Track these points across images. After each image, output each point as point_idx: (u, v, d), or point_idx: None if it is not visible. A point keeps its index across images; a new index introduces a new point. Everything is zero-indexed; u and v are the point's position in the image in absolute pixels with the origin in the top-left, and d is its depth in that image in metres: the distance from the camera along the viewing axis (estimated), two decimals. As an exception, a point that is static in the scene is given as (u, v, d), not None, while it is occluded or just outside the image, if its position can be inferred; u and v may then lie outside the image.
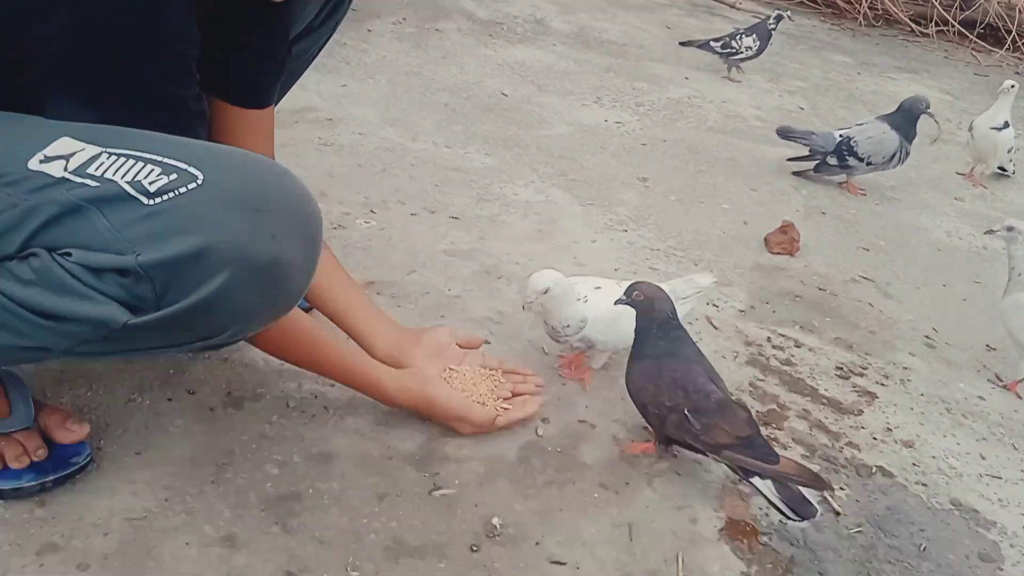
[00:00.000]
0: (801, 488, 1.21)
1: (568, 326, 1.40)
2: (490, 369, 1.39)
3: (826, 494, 1.33)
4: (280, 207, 0.89)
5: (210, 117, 1.19)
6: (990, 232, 1.80)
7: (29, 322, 0.87)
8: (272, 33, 1.21)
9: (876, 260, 2.18)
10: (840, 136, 2.54)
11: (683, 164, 2.56)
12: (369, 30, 3.24)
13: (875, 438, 1.49)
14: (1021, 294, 1.68)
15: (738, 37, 3.47)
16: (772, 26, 3.48)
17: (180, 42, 0.96)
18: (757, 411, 1.50)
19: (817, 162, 2.57)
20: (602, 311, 1.39)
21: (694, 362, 1.29)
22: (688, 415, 1.24)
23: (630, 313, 1.34)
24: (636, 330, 1.31)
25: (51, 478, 1.08)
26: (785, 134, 2.61)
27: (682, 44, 3.61)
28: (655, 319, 1.29)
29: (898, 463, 1.44)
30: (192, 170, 0.86)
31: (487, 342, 1.52)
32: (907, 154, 2.54)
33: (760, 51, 3.50)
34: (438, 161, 2.26)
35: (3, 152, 0.89)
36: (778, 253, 2.09)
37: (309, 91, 2.56)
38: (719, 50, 3.48)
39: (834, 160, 2.53)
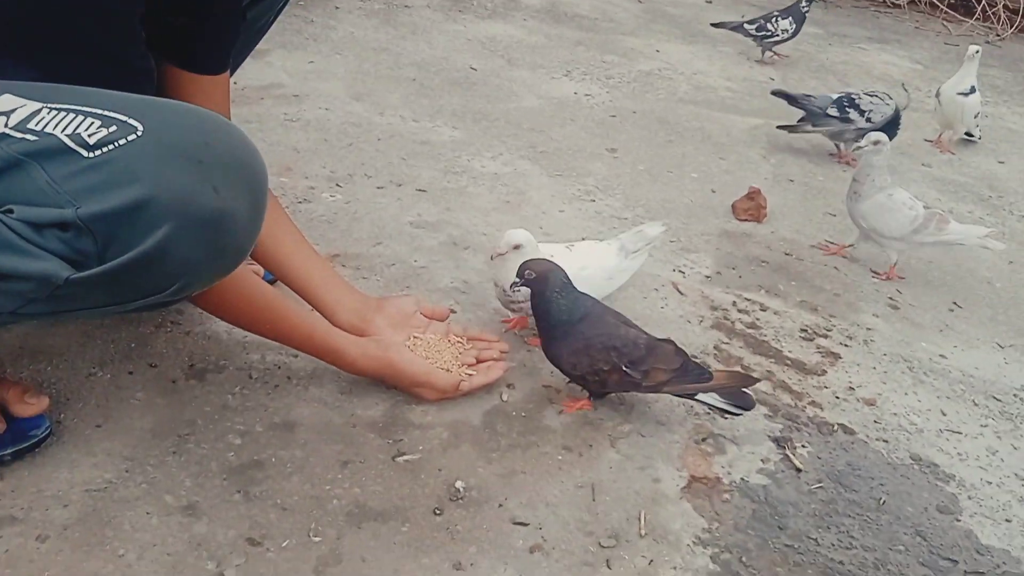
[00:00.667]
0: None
1: (519, 291, 1.38)
2: (455, 336, 1.39)
3: (787, 451, 1.34)
4: (223, 159, 0.88)
5: (165, 84, 1.18)
6: (858, 148, 1.89)
7: None
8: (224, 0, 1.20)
9: (842, 225, 2.19)
10: (840, 93, 2.54)
11: (652, 135, 2.56)
12: (336, 7, 3.21)
13: (837, 397, 1.51)
14: (879, 195, 1.89)
15: (773, 20, 3.41)
16: (805, 8, 3.43)
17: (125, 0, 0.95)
18: (739, 370, 1.51)
19: (815, 116, 2.54)
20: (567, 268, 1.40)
21: (606, 315, 1.31)
22: (627, 369, 1.26)
23: (601, 267, 1.45)
24: (538, 307, 1.31)
25: (9, 451, 1.08)
26: (781, 94, 2.60)
27: (714, 25, 3.53)
28: (553, 290, 1.29)
29: (859, 420, 1.46)
30: (132, 122, 0.84)
31: (453, 311, 1.52)
32: (899, 129, 2.55)
33: (795, 34, 3.45)
34: (405, 135, 2.25)
35: None
36: (745, 220, 2.10)
37: (275, 68, 2.54)
38: (753, 32, 3.42)
39: (834, 110, 2.51)
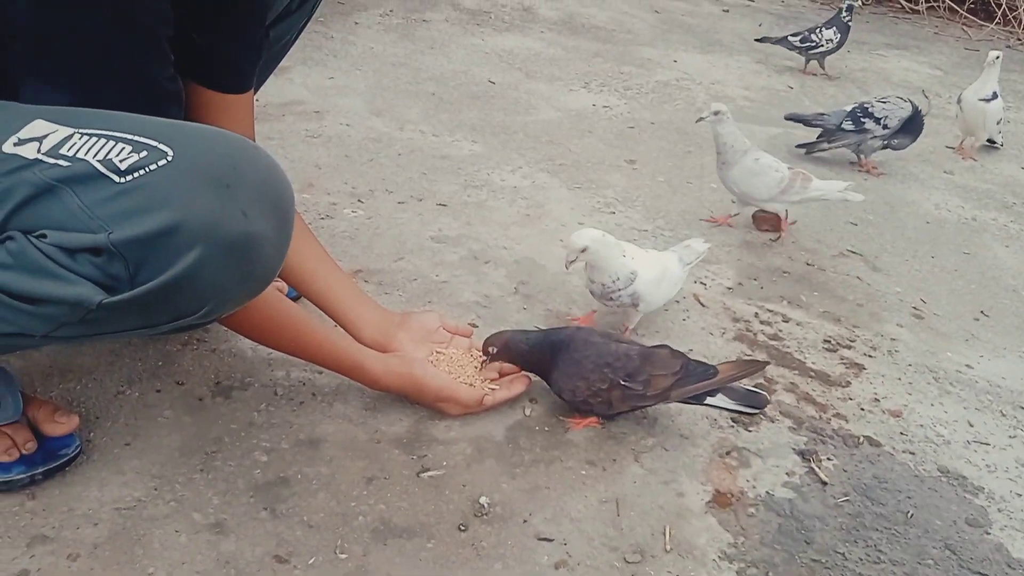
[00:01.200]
0: (745, 387, 1.35)
1: (618, 279, 1.47)
2: (478, 351, 1.40)
3: (812, 464, 1.33)
4: (250, 182, 0.88)
5: (189, 103, 1.19)
6: (700, 120, 1.95)
7: (8, 307, 0.87)
8: (249, 16, 1.21)
9: (864, 234, 2.18)
10: (853, 106, 2.53)
11: (671, 146, 2.56)
12: (356, 23, 3.23)
13: (862, 409, 1.50)
14: (745, 159, 1.95)
15: (817, 31, 3.42)
16: (846, 17, 3.42)
17: (151, 19, 0.96)
18: (750, 358, 1.51)
19: (830, 132, 2.53)
20: (650, 269, 1.50)
21: (593, 335, 1.32)
22: (625, 383, 1.26)
23: (671, 273, 1.53)
24: (522, 365, 1.35)
25: (40, 470, 1.09)
26: (795, 119, 2.59)
27: (758, 41, 3.54)
28: (519, 344, 1.32)
29: (885, 432, 1.44)
30: (162, 147, 0.86)
31: (475, 326, 1.53)
32: (921, 129, 2.53)
33: (841, 44, 3.45)
34: (425, 150, 2.26)
35: None
36: (766, 230, 2.09)
37: (296, 84, 2.56)
38: (798, 44, 3.43)
39: (849, 124, 2.50)
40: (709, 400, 1.31)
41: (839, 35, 3.42)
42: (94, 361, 1.30)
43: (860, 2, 3.78)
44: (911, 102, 2.53)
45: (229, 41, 1.17)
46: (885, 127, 2.49)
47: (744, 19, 4.39)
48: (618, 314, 1.60)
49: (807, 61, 3.52)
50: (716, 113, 1.91)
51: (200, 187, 0.85)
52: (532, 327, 1.55)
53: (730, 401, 1.31)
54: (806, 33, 3.44)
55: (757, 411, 1.33)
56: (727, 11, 4.51)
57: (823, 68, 3.55)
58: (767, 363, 1.46)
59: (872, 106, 2.50)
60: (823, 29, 3.43)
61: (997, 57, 2.74)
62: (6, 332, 0.90)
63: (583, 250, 1.43)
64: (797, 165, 2.55)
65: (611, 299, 1.51)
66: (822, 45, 3.43)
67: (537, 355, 1.33)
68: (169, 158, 0.85)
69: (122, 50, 0.93)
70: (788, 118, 2.62)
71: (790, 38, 3.44)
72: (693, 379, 1.29)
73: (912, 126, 2.53)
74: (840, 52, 3.95)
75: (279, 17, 1.35)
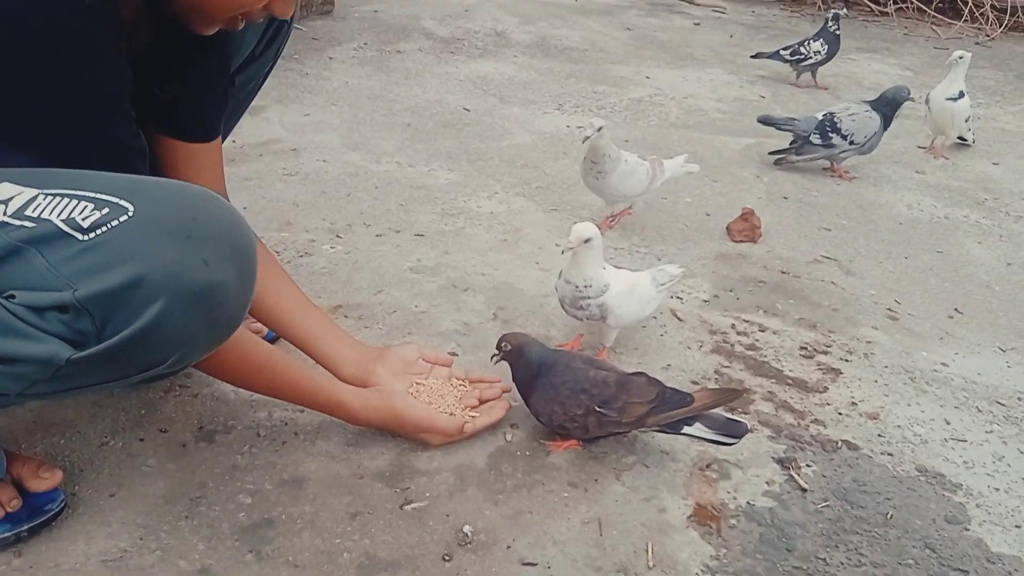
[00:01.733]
0: (725, 415, 1.33)
1: (590, 286, 1.49)
2: (457, 380, 1.41)
3: (792, 472, 1.35)
4: (210, 232, 0.91)
5: (159, 153, 1.22)
6: (587, 139, 1.95)
7: None
8: (212, 66, 1.23)
9: (838, 239, 2.20)
10: (823, 114, 2.56)
11: (645, 162, 2.58)
12: (331, 58, 3.27)
13: (840, 413, 1.51)
14: (621, 166, 2.00)
15: (806, 43, 3.48)
16: (833, 27, 3.46)
17: (110, 82, 0.98)
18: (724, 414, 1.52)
19: (799, 145, 2.57)
20: (621, 283, 1.52)
21: (575, 361, 1.34)
22: (600, 409, 1.27)
23: (642, 290, 1.54)
24: (516, 374, 1.36)
25: (26, 527, 1.10)
26: (767, 121, 2.62)
27: (753, 57, 3.60)
28: (530, 360, 1.34)
29: (863, 435, 1.46)
30: (123, 203, 0.88)
31: (454, 354, 1.54)
32: (880, 138, 2.58)
33: (830, 55, 3.49)
34: (402, 181, 2.29)
35: None
36: (740, 241, 2.11)
37: (272, 123, 2.59)
38: (788, 58, 3.49)
39: (817, 139, 2.53)
40: (686, 429, 1.30)
41: (826, 46, 3.47)
42: (77, 414, 1.32)
43: (845, 11, 3.81)
44: (880, 122, 2.55)
45: (193, 93, 1.20)
46: (852, 143, 2.53)
47: (715, 31, 4.44)
48: (596, 334, 1.62)
49: (798, 74, 3.57)
50: (599, 129, 1.94)
51: (161, 240, 0.87)
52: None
53: (707, 430, 1.30)
54: (796, 46, 3.50)
55: (735, 441, 1.31)
56: (698, 24, 4.57)
57: (815, 79, 3.58)
58: (743, 392, 1.47)
59: (840, 121, 2.52)
60: (811, 41, 3.49)
61: (960, 57, 2.78)
62: (-20, 392, 0.91)
63: (587, 240, 1.46)
64: (768, 173, 2.58)
65: (580, 307, 1.52)
66: (811, 57, 3.47)
67: (529, 372, 1.34)
68: (130, 213, 0.87)
69: (83, 112, 0.95)
70: (760, 121, 2.65)
71: (781, 52, 3.51)
72: (669, 407, 1.30)
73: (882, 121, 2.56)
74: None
75: (244, 63, 1.38)
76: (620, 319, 1.55)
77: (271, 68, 1.47)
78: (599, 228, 1.50)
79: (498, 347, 1.36)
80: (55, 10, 0.87)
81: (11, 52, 0.87)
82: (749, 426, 1.33)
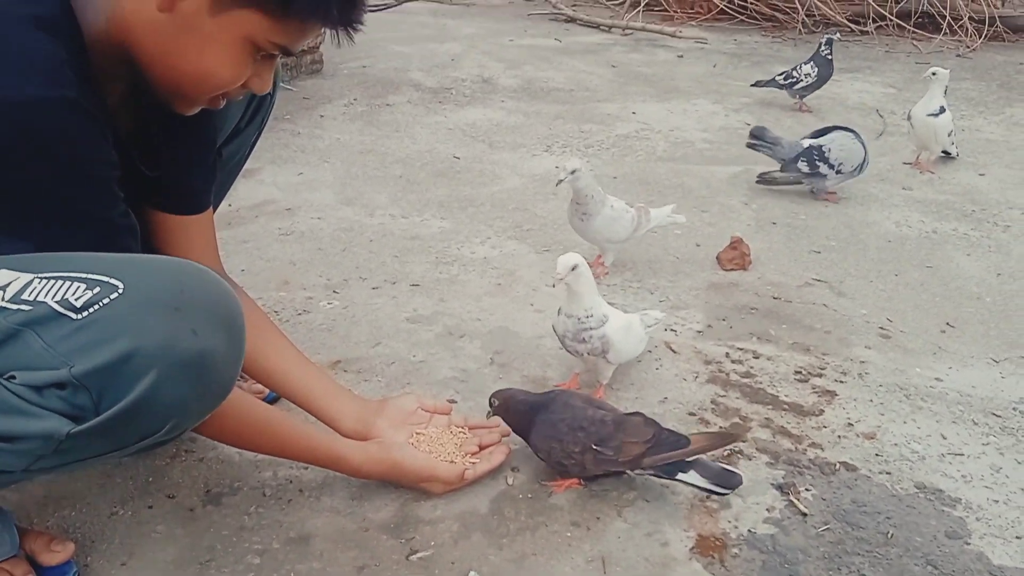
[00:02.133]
0: (721, 465, 1.34)
1: (591, 316, 1.53)
2: (457, 427, 1.44)
3: (791, 497, 1.36)
4: (198, 303, 0.95)
5: (151, 227, 1.26)
6: (560, 182, 1.98)
7: None
8: (197, 143, 1.28)
9: (828, 261, 2.23)
10: (809, 144, 2.58)
11: (634, 197, 2.61)
12: (321, 115, 3.34)
13: (837, 435, 1.53)
14: (604, 208, 2.03)
15: (798, 67, 3.55)
16: (826, 51, 3.52)
17: (100, 168, 1.02)
18: (720, 426, 1.54)
19: (786, 163, 2.60)
20: (618, 320, 1.57)
21: (574, 399, 1.37)
22: (597, 448, 1.30)
23: (636, 329, 1.60)
24: (511, 423, 1.41)
25: (40, 601, 1.13)
26: (757, 136, 2.63)
27: (753, 86, 3.67)
28: (519, 408, 1.38)
29: (861, 456, 1.48)
30: (113, 281, 0.92)
31: (453, 402, 1.57)
32: (867, 164, 2.61)
33: (821, 78, 3.53)
34: (396, 232, 2.33)
35: None
36: (731, 269, 2.14)
37: (267, 184, 2.64)
38: (782, 83, 3.56)
39: (804, 165, 2.56)
40: (681, 476, 1.31)
41: (816, 69, 3.51)
42: (86, 486, 1.34)
43: (838, 35, 3.87)
44: (860, 139, 2.60)
45: (181, 169, 1.25)
46: (839, 172, 2.57)
47: (698, 62, 4.52)
48: (593, 372, 1.65)
49: (793, 98, 3.63)
50: (573, 172, 1.96)
51: (151, 313, 0.91)
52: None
53: (702, 479, 1.31)
54: (789, 71, 3.57)
55: (728, 491, 1.33)
56: (681, 56, 4.65)
57: (802, 102, 3.64)
58: (739, 435, 1.49)
59: (829, 151, 2.55)
60: (802, 65, 3.55)
61: (934, 73, 2.83)
62: (-14, 471, 0.95)
63: (573, 268, 1.50)
64: (756, 199, 2.62)
65: (583, 340, 1.55)
66: (801, 79, 3.53)
67: (525, 415, 1.38)
68: (120, 290, 0.91)
69: (75, 199, 0.99)
70: (750, 138, 2.66)
71: (777, 78, 3.58)
72: (665, 448, 1.31)
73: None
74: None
75: (229, 136, 1.43)
76: (620, 355, 1.58)
77: (257, 138, 1.52)
78: (591, 266, 1.54)
79: (490, 404, 1.41)
80: (44, 110, 0.92)
81: (4, 152, 0.92)
82: (743, 478, 1.33)
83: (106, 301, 0.90)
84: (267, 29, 1.01)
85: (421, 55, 4.35)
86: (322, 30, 1.04)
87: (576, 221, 2.06)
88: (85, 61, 0.97)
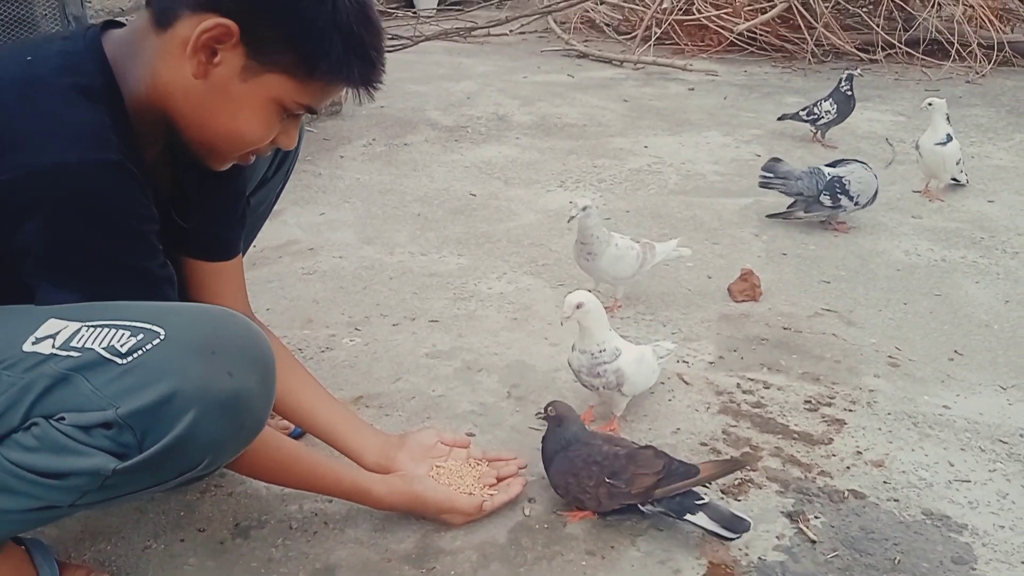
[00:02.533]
0: (732, 511, 1.35)
1: (604, 350, 1.59)
2: (475, 460, 1.49)
3: (800, 524, 1.40)
4: (232, 346, 1.02)
5: (185, 274, 1.34)
6: (572, 219, 2.02)
7: (38, 484, 0.99)
8: (228, 194, 1.36)
9: (838, 291, 2.28)
10: (831, 174, 2.62)
11: (646, 231, 2.68)
12: (341, 156, 3.43)
13: (846, 463, 1.57)
14: (608, 248, 2.06)
15: (818, 103, 3.59)
16: (846, 87, 3.55)
17: (140, 224, 1.10)
18: (731, 456, 1.58)
19: (807, 202, 2.64)
20: (631, 352, 1.61)
21: (594, 438, 1.42)
22: (610, 481, 1.34)
23: (648, 360, 1.64)
24: (545, 439, 1.46)
25: (79, 632, 1.18)
26: (769, 169, 2.68)
27: (779, 119, 3.72)
28: (564, 434, 1.43)
29: (869, 484, 1.51)
30: (155, 328, 0.99)
31: (472, 435, 1.63)
32: (878, 194, 2.67)
33: (842, 114, 3.57)
34: (415, 270, 2.40)
35: (2, 341, 1.02)
36: (742, 301, 2.19)
37: (290, 225, 2.72)
38: (805, 118, 3.61)
39: (828, 199, 2.60)
40: (689, 517, 1.34)
41: (835, 106, 3.55)
42: (121, 521, 1.41)
43: (860, 71, 3.92)
44: (871, 171, 2.66)
45: (212, 220, 1.33)
46: (856, 203, 2.62)
47: (709, 95, 4.59)
48: (607, 404, 1.70)
49: (815, 134, 3.68)
50: (584, 209, 2.00)
51: (189, 357, 0.98)
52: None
53: (711, 522, 1.33)
54: (810, 107, 3.62)
55: (736, 536, 1.33)
56: (692, 89, 4.72)
57: (822, 138, 3.67)
58: (747, 462, 1.53)
59: (849, 183, 2.61)
60: (822, 102, 3.59)
61: (930, 104, 2.89)
62: (37, 507, 1.02)
63: (578, 306, 1.56)
64: (767, 231, 2.67)
65: (598, 375, 1.60)
66: (822, 116, 3.58)
67: (557, 444, 1.43)
68: (161, 337, 0.98)
69: (119, 253, 1.06)
70: (763, 168, 2.70)
71: (800, 113, 3.63)
72: (676, 478, 1.36)
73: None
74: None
75: (258, 185, 1.51)
76: (634, 387, 1.63)
77: (284, 186, 1.60)
78: (609, 309, 1.59)
79: (544, 408, 1.46)
80: (92, 172, 0.99)
81: (56, 212, 1.00)
82: (752, 523, 1.33)
83: (149, 347, 0.97)
84: (293, 91, 1.09)
85: (437, 94, 4.45)
86: (344, 90, 1.12)
87: (582, 261, 2.11)
88: (127, 126, 1.05)
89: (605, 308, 2.12)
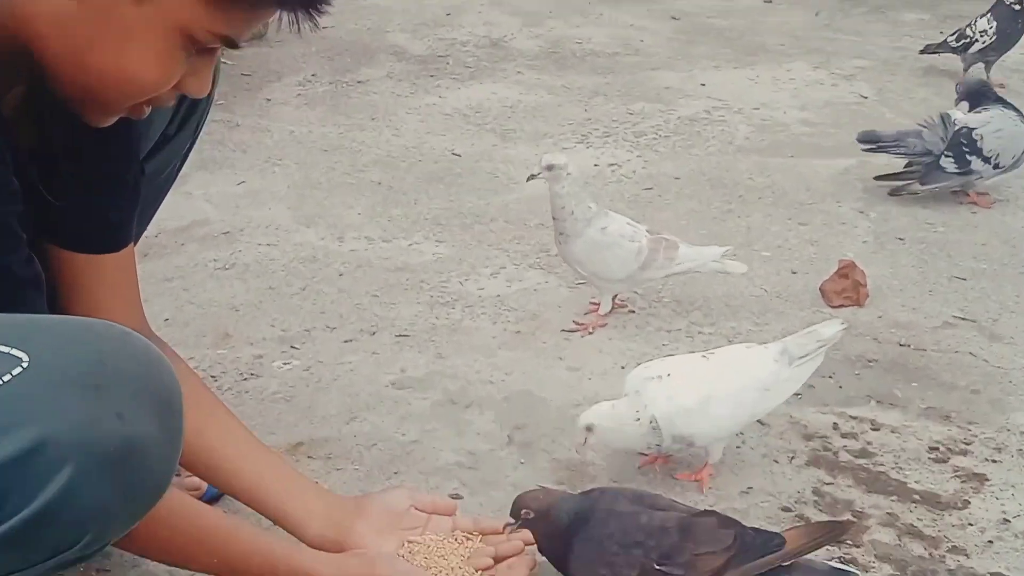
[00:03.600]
0: (830, 563, 1.40)
1: (649, 444, 1.64)
2: (463, 533, 1.52)
3: (923, 623, 1.43)
4: (124, 377, 1.02)
5: (56, 272, 1.35)
6: (532, 178, 2.07)
7: None
8: (114, 159, 1.38)
9: (976, 290, 2.30)
10: (956, 125, 2.62)
11: (704, 206, 2.71)
12: (268, 99, 3.46)
13: (987, 536, 1.59)
14: (588, 231, 2.05)
15: (973, 22, 3.54)
16: (1015, 2, 3.49)
17: None
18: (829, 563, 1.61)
19: (924, 168, 2.66)
20: (678, 404, 1.62)
21: (619, 502, 1.43)
22: (661, 569, 1.35)
23: (739, 385, 1.64)
24: (542, 543, 1.45)
25: None
26: (868, 139, 2.72)
27: (922, 52, 3.72)
28: (560, 521, 1.43)
29: (1021, 564, 1.54)
30: (15, 352, 1.00)
31: (458, 497, 1.65)
32: None
33: (1007, 39, 3.51)
34: (375, 263, 2.42)
35: None
36: (840, 306, 2.22)
37: (196, 198, 2.74)
38: (954, 44, 3.58)
39: (951, 163, 2.62)
40: None
41: (994, 23, 3.50)
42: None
43: None
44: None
45: (93, 194, 1.34)
46: (997, 166, 2.63)
47: (794, 9, 4.62)
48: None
49: (966, 67, 3.62)
50: (550, 168, 2.00)
51: (65, 393, 0.99)
52: (536, 485, 1.67)
53: None
54: (962, 29, 3.58)
55: None
56: (769, 2, 4.75)
57: (987, 75, 3.57)
58: (851, 523, 1.55)
59: (982, 139, 2.61)
60: (978, 19, 3.54)
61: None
62: None
63: (588, 429, 1.59)
64: (876, 205, 2.69)
65: (658, 447, 1.65)
66: (976, 38, 3.52)
67: (561, 535, 1.43)
68: (24, 364, 1.00)
69: None
70: (861, 141, 2.75)
71: (948, 40, 3.61)
72: (752, 554, 1.36)
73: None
74: (930, 36, 3.97)
75: (155, 147, 1.52)
76: (708, 435, 1.66)
77: (191, 147, 1.62)
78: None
79: (514, 515, 1.45)
80: None
81: None
82: None
83: (7, 378, 0.99)
84: (206, 16, 1.10)
85: (404, 7, 4.47)
86: (276, 13, 1.14)
87: (557, 243, 2.12)
88: None
89: (580, 324, 2.13)
